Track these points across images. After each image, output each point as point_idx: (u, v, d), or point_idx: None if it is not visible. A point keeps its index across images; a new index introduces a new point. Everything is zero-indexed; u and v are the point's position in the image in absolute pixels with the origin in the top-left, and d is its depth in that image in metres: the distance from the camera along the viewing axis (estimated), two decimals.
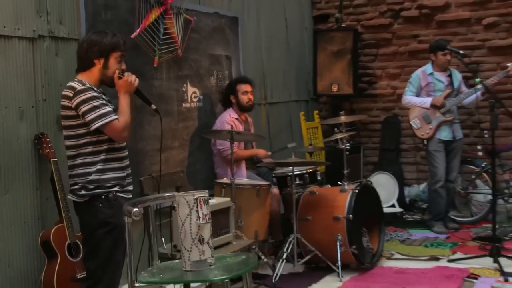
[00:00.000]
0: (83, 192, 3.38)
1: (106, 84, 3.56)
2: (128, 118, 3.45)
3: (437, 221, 6.47)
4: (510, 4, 7.04)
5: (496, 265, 4.97)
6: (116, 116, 3.41)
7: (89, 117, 3.34)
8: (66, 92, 3.39)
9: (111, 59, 3.49)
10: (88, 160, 3.41)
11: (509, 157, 6.94)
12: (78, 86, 3.36)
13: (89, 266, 3.47)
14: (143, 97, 3.73)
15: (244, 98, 5.64)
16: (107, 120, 3.36)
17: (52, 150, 4.02)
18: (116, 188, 3.45)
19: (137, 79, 3.56)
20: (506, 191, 6.59)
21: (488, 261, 5.11)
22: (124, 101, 3.49)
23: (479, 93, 6.19)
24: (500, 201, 6.39)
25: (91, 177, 3.38)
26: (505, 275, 4.80)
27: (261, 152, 5.72)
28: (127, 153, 3.62)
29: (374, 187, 5.54)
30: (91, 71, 3.49)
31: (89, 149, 3.41)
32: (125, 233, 3.10)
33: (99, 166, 3.41)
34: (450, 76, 6.44)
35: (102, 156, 3.43)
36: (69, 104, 3.36)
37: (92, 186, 3.38)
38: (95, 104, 3.35)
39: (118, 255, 3.44)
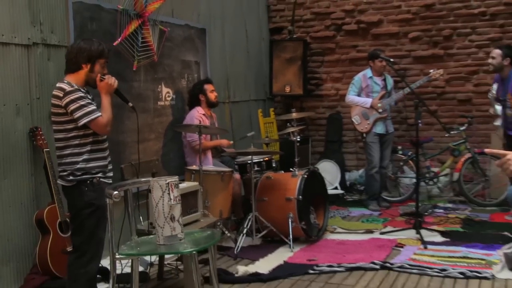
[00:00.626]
0: (71, 178, 3.34)
1: (90, 85, 3.50)
2: (110, 115, 3.41)
3: (372, 200, 6.56)
4: (430, 22, 7.15)
5: (418, 236, 5.06)
6: (100, 113, 3.37)
7: (77, 114, 3.29)
8: (56, 92, 3.33)
9: (96, 64, 3.43)
10: (76, 151, 3.36)
11: (430, 147, 7.07)
12: (67, 87, 3.31)
13: (75, 241, 3.43)
14: (121, 96, 3.68)
15: (212, 96, 5.63)
16: (93, 117, 3.32)
17: (45, 142, 4.00)
18: (99, 174, 3.41)
19: (116, 81, 3.50)
20: (427, 175, 6.72)
21: (412, 233, 5.19)
22: (106, 101, 3.44)
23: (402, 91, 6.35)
24: (422, 183, 6.50)
25: (78, 166, 3.34)
26: (425, 243, 4.89)
27: (224, 141, 5.71)
28: (107, 144, 3.58)
29: (320, 173, 5.55)
30: (78, 73, 3.42)
31: (76, 142, 3.36)
32: (107, 212, 3.08)
33: (85, 156, 3.37)
34: (384, 80, 6.52)
35: (88, 148, 3.38)
36: (59, 103, 3.31)
37: (79, 173, 3.34)
38: (82, 103, 3.30)
39: (101, 231, 3.41)
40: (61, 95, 3.30)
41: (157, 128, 5.44)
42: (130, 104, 3.69)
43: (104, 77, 3.46)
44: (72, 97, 3.29)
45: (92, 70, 3.43)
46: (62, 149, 3.38)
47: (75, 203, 3.39)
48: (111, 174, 3.56)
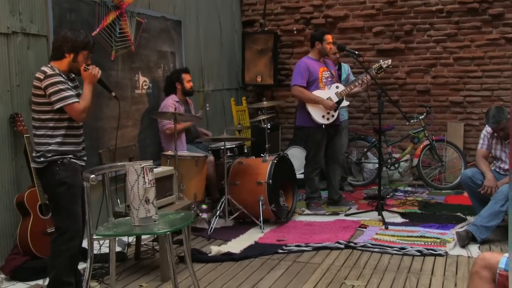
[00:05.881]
0: (42, 159, 3.28)
1: (74, 73, 3.43)
2: (88, 103, 3.34)
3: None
4: (392, 17, 7.20)
5: (380, 217, 5.13)
6: (77, 99, 3.30)
7: (54, 97, 3.23)
8: (38, 75, 3.27)
9: (80, 55, 3.36)
10: (49, 133, 3.29)
11: (392, 135, 7.15)
12: (49, 71, 3.25)
13: (56, 220, 3.38)
14: (105, 86, 3.61)
15: (188, 85, 5.59)
16: (69, 102, 3.25)
17: (25, 127, 3.93)
18: (70, 156, 3.34)
19: (100, 71, 3.45)
20: (389, 161, 6.78)
21: (374, 215, 5.27)
22: (87, 89, 3.38)
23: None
24: (384, 168, 6.57)
25: (50, 147, 3.28)
26: (386, 224, 4.96)
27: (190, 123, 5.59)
28: (82, 131, 3.50)
29: (289, 158, 5.55)
30: (61, 61, 3.35)
31: (51, 124, 3.29)
32: (85, 195, 3.04)
33: (58, 139, 3.30)
34: (339, 69, 6.41)
35: (62, 131, 3.31)
36: (39, 85, 3.25)
37: (50, 154, 3.28)
38: (61, 87, 3.24)
39: (77, 208, 3.36)
40: (42, 77, 3.24)
41: (134, 115, 5.38)
42: (113, 94, 3.61)
43: (88, 67, 3.40)
44: (51, 80, 3.23)
45: (75, 60, 3.36)
46: (36, 129, 3.33)
47: (49, 183, 3.33)
48: (84, 157, 3.50)
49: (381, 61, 5.84)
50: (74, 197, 3.33)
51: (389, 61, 5.82)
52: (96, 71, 3.41)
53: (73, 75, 3.46)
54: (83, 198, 3.39)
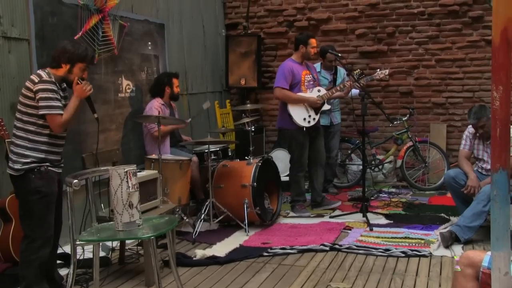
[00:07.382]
0: (19, 166, 3.26)
1: (66, 84, 3.46)
2: (69, 116, 3.35)
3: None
4: (375, 20, 7.25)
5: (364, 219, 5.13)
6: (61, 112, 3.31)
7: (41, 103, 3.25)
8: (33, 77, 3.30)
9: (75, 67, 3.41)
10: (30, 137, 3.30)
11: (375, 136, 7.19)
12: (45, 77, 3.29)
13: (25, 227, 3.35)
14: (91, 105, 3.62)
15: (176, 90, 5.59)
16: (53, 112, 3.27)
17: (7, 132, 3.89)
18: (47, 164, 3.34)
19: (91, 90, 3.48)
20: (373, 162, 6.81)
21: (359, 216, 5.27)
22: (73, 102, 3.41)
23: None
24: (368, 170, 6.57)
25: (27, 152, 3.27)
26: (370, 226, 4.97)
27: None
28: (63, 142, 3.49)
29: (273, 161, 5.54)
30: (57, 70, 3.39)
31: (32, 128, 3.30)
32: (67, 200, 3.02)
33: (40, 146, 3.30)
34: (335, 74, 6.48)
35: (45, 139, 3.32)
36: (31, 87, 3.26)
37: (28, 160, 3.26)
38: (51, 95, 3.27)
39: (50, 217, 3.35)
40: (37, 80, 3.26)
41: (117, 119, 5.34)
42: (96, 116, 3.64)
43: (81, 81, 3.43)
44: (44, 86, 3.26)
45: (71, 71, 3.40)
46: (18, 129, 3.32)
47: (23, 190, 3.32)
48: (61, 164, 3.50)
49: (378, 70, 5.89)
50: (48, 205, 3.32)
51: (387, 71, 5.85)
52: (88, 87, 3.45)
53: (65, 85, 3.47)
54: (56, 205, 3.40)
